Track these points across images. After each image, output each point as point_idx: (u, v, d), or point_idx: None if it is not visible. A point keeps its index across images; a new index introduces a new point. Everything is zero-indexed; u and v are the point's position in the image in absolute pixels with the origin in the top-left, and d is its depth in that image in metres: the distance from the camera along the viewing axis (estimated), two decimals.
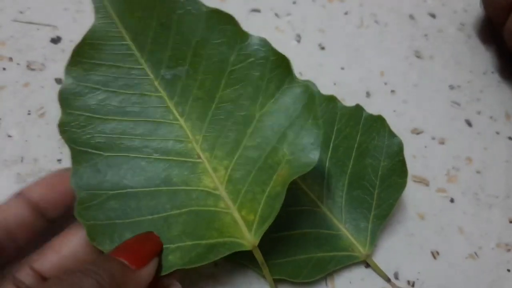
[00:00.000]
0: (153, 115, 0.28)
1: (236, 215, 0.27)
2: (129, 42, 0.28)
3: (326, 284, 0.31)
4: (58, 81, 0.35)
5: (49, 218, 0.26)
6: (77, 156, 0.27)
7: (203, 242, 0.26)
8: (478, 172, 0.37)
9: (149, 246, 0.25)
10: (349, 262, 0.31)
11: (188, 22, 0.28)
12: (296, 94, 0.28)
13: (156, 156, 0.27)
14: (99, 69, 0.28)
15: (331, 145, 0.33)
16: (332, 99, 0.34)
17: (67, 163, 0.32)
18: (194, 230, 0.26)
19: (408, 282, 0.32)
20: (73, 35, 0.37)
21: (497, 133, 0.39)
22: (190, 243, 0.26)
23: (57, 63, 0.36)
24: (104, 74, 0.28)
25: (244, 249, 0.26)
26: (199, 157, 0.27)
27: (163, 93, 0.28)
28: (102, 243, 0.25)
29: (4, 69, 0.35)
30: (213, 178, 0.27)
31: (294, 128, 0.27)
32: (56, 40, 0.37)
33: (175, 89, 0.28)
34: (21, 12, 0.37)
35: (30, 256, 0.25)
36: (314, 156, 0.27)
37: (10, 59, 0.35)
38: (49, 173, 0.27)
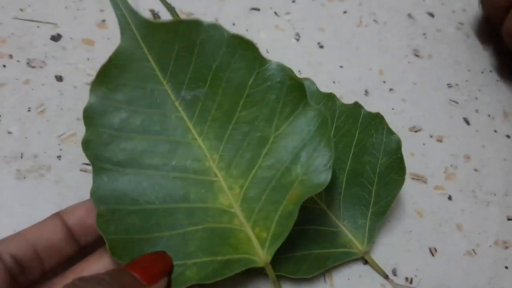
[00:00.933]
0: (173, 134, 0.29)
1: (250, 232, 0.28)
2: (153, 63, 0.29)
3: (325, 281, 0.31)
4: (58, 78, 0.35)
5: (81, 244, 0.27)
6: (98, 172, 0.27)
7: (218, 258, 0.27)
8: (476, 170, 0.37)
9: (162, 265, 0.25)
10: (347, 258, 0.31)
11: (209, 46, 0.29)
12: (310, 117, 0.29)
13: (175, 174, 0.28)
14: (123, 89, 0.29)
15: None
16: (330, 97, 0.34)
17: (66, 159, 0.32)
18: (210, 246, 0.27)
19: (406, 278, 0.32)
20: (74, 33, 0.37)
21: (495, 131, 0.39)
22: (206, 259, 0.26)
23: (57, 60, 0.36)
24: (127, 93, 0.29)
25: (257, 265, 0.27)
26: (216, 176, 0.28)
27: (183, 114, 0.29)
28: (122, 257, 0.26)
29: (4, 66, 0.35)
30: (228, 196, 0.28)
31: (307, 149, 0.28)
32: (56, 38, 0.37)
33: (194, 110, 0.29)
34: (21, 10, 0.38)
35: (52, 279, 0.26)
36: (326, 176, 0.28)
37: (11, 56, 0.35)
38: (86, 200, 0.28)
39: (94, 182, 0.27)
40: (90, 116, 0.28)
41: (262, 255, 0.27)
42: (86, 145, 0.28)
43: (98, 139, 0.28)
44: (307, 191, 0.27)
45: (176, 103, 0.29)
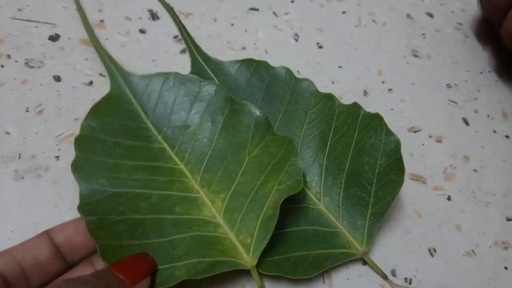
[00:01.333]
0: (156, 160, 0.32)
1: (234, 240, 0.29)
2: (137, 106, 0.33)
3: (324, 281, 0.31)
4: (56, 78, 0.35)
5: (68, 262, 0.27)
6: (86, 190, 0.29)
7: (207, 259, 0.28)
8: (475, 170, 0.37)
9: (145, 265, 0.27)
10: (346, 259, 0.31)
11: (188, 91, 0.34)
12: (277, 141, 0.32)
13: (159, 192, 0.30)
14: (111, 125, 0.32)
15: (329, 143, 0.33)
16: (329, 97, 0.34)
17: (64, 160, 0.32)
18: (198, 250, 0.29)
19: (406, 279, 0.32)
20: (72, 33, 0.37)
21: (494, 131, 0.39)
22: (195, 260, 0.28)
23: (55, 60, 0.36)
24: (115, 128, 0.32)
25: (244, 268, 0.29)
26: (198, 192, 0.31)
27: (165, 145, 0.32)
28: (113, 261, 0.27)
29: (2, 66, 0.35)
30: (211, 209, 0.30)
31: (280, 164, 0.31)
32: (54, 38, 0.37)
33: (175, 142, 0.33)
34: (19, 10, 0.37)
35: None
36: (299, 182, 0.30)
37: (8, 56, 0.35)
38: (76, 218, 0.28)
39: (81, 198, 0.29)
40: (80, 143, 0.31)
41: (247, 259, 0.29)
42: (75, 167, 0.30)
43: (87, 164, 0.30)
44: (284, 195, 0.30)
45: (159, 137, 0.33)
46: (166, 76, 0.34)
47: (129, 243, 0.28)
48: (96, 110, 0.32)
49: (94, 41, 0.36)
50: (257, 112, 0.33)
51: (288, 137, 0.32)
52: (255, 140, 0.32)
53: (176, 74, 0.34)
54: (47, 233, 0.27)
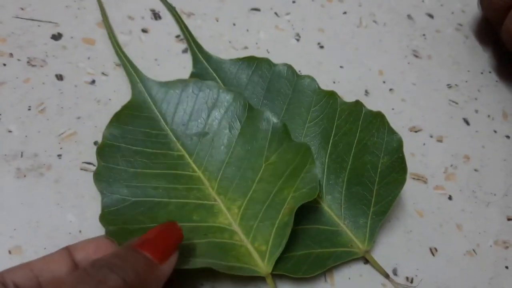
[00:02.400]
0: (175, 168, 0.32)
1: (250, 247, 0.30)
2: (157, 113, 0.34)
3: (326, 280, 0.31)
4: (58, 77, 0.35)
5: None
6: (107, 199, 0.30)
7: (223, 263, 0.28)
8: (476, 170, 0.37)
9: (172, 239, 0.26)
10: (348, 258, 0.31)
11: (206, 97, 0.34)
12: (294, 148, 0.32)
13: (178, 200, 0.31)
14: (132, 132, 0.33)
15: (331, 141, 0.33)
16: (332, 95, 0.34)
17: (67, 159, 0.32)
18: (215, 255, 0.29)
19: (407, 278, 0.32)
20: (74, 32, 0.37)
21: (495, 131, 0.39)
22: (212, 261, 0.28)
23: (58, 59, 0.36)
24: (136, 135, 0.33)
25: (259, 274, 0.29)
26: (215, 200, 0.31)
27: (184, 152, 0.33)
28: None
29: (4, 65, 0.35)
30: (228, 216, 0.31)
31: (296, 172, 0.31)
32: (57, 37, 0.37)
33: (193, 149, 0.33)
34: (22, 9, 0.37)
35: None
36: (315, 189, 0.30)
37: (11, 55, 0.35)
38: (99, 236, 0.28)
39: (102, 208, 0.30)
40: (102, 152, 0.31)
41: (263, 267, 0.29)
42: (97, 177, 0.31)
43: (109, 173, 0.31)
44: (300, 202, 0.30)
45: (178, 144, 0.33)
46: (185, 83, 0.35)
47: None
48: (118, 119, 0.33)
49: (118, 48, 0.36)
50: (275, 119, 0.33)
51: (305, 144, 0.32)
52: (272, 147, 0.32)
53: (195, 81, 0.35)
54: (67, 249, 0.26)
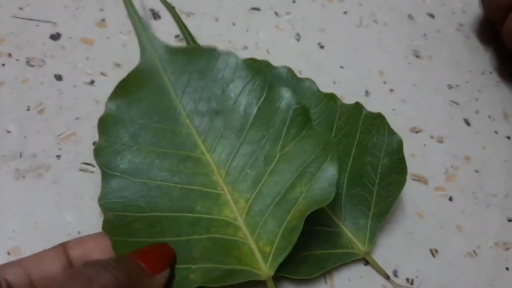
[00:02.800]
0: (182, 148, 0.30)
1: (253, 246, 0.28)
2: (168, 83, 0.31)
3: (326, 282, 0.31)
4: (57, 77, 0.35)
5: None
6: (107, 179, 0.28)
7: (222, 266, 0.27)
8: (476, 171, 0.37)
9: (165, 256, 0.26)
10: (348, 259, 0.31)
11: (223, 70, 0.32)
12: (314, 139, 0.30)
13: (182, 185, 0.29)
14: (139, 103, 0.30)
15: None
16: (332, 97, 0.34)
17: (66, 159, 0.32)
18: (214, 255, 0.28)
19: (407, 279, 0.32)
20: (73, 32, 0.37)
21: (496, 132, 0.39)
22: (210, 265, 0.27)
23: (56, 59, 0.36)
24: (142, 108, 0.30)
25: (259, 279, 0.28)
26: (222, 189, 0.29)
27: (193, 130, 0.31)
28: None
29: (3, 65, 0.35)
30: (234, 209, 0.29)
31: (312, 168, 0.29)
32: (55, 37, 0.37)
33: (204, 128, 0.31)
34: (20, 9, 0.37)
35: None
36: (330, 193, 0.28)
37: (9, 55, 0.35)
38: (96, 233, 0.28)
39: (102, 188, 0.28)
40: (104, 125, 0.29)
41: (264, 269, 0.28)
42: (98, 152, 0.29)
43: (110, 148, 0.29)
44: (311, 206, 0.28)
45: (188, 121, 0.31)
46: (202, 51, 0.32)
47: (145, 241, 0.27)
48: (123, 86, 0.31)
49: (129, 6, 0.34)
50: (295, 101, 0.30)
51: (327, 135, 0.30)
52: (290, 134, 0.30)
53: (214, 50, 0.32)
54: (63, 245, 0.26)
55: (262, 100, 0.31)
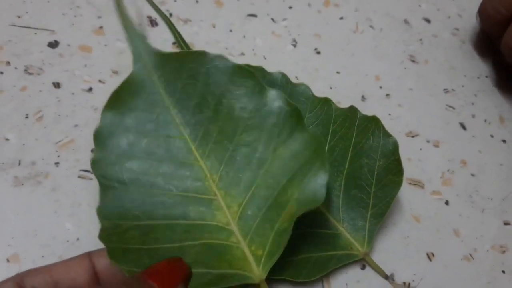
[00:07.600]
0: (176, 155, 0.30)
1: (246, 249, 0.29)
2: (161, 91, 0.31)
3: (323, 286, 0.31)
4: (55, 85, 0.35)
5: None
6: (105, 190, 0.29)
7: (214, 271, 0.27)
8: (472, 175, 0.37)
9: (178, 272, 0.26)
10: (348, 260, 0.31)
11: (214, 75, 0.31)
12: (306, 140, 0.30)
13: (176, 192, 0.29)
14: (132, 113, 0.30)
15: (327, 146, 0.33)
16: (326, 101, 0.34)
17: (64, 167, 0.32)
18: (207, 260, 0.28)
19: (404, 283, 0.32)
20: (71, 40, 0.37)
21: (492, 136, 0.39)
22: (202, 270, 0.27)
23: (54, 67, 0.36)
24: (136, 118, 0.30)
25: (252, 282, 0.28)
26: (215, 195, 0.30)
27: (187, 137, 0.31)
28: (120, 263, 0.26)
29: (1, 73, 0.35)
30: (226, 214, 0.29)
31: (303, 170, 0.29)
32: (53, 45, 0.37)
33: (197, 133, 0.31)
34: (18, 17, 0.38)
35: None
36: (321, 196, 0.29)
37: (8, 63, 0.36)
38: None
39: (100, 199, 0.28)
40: (100, 137, 0.29)
41: (257, 272, 0.28)
42: (95, 164, 0.29)
43: (106, 159, 0.29)
44: (302, 208, 0.28)
45: (181, 127, 0.31)
46: (191, 57, 0.31)
47: (139, 247, 0.27)
48: (117, 97, 0.30)
49: (121, 13, 0.32)
50: (287, 102, 0.30)
51: (319, 137, 0.30)
52: (283, 135, 0.30)
53: (206, 54, 0.31)
54: (89, 255, 0.26)
55: (253, 103, 0.31)
